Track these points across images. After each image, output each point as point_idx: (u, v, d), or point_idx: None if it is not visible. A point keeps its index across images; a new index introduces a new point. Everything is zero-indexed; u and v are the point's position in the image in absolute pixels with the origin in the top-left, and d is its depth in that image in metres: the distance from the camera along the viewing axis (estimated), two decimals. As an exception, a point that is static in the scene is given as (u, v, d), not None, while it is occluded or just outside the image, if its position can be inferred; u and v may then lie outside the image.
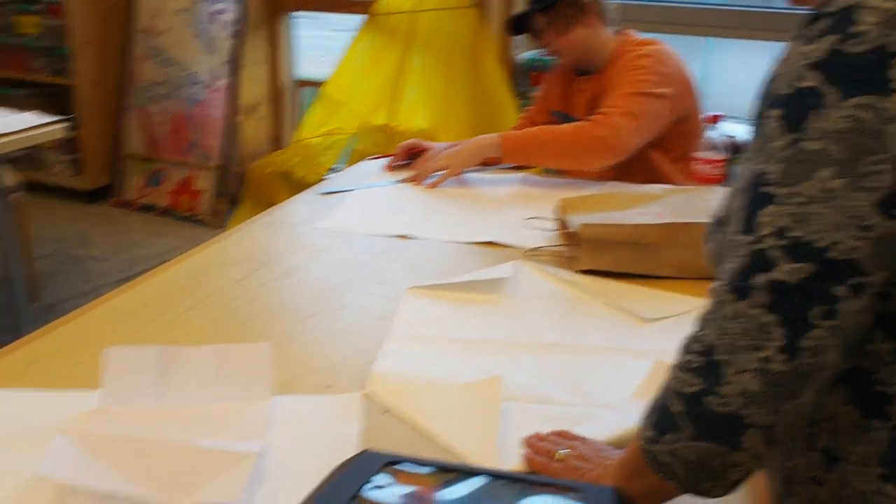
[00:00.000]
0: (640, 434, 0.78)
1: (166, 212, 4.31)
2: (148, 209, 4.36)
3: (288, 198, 2.00)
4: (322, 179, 2.18)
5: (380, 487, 0.75)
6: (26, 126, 2.74)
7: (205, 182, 4.26)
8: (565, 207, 1.55)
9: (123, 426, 0.96)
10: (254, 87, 4.38)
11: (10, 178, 2.93)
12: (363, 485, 0.75)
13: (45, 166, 4.57)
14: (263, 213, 1.88)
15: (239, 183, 4.19)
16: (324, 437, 1.00)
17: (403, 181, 2.00)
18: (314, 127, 4.00)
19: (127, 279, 1.46)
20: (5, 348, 1.23)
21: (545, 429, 0.98)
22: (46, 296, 3.32)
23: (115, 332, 1.27)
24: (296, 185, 3.60)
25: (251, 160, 4.21)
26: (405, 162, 2.11)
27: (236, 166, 4.24)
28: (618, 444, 0.94)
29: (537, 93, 2.33)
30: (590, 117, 1.93)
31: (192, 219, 4.23)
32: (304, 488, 0.77)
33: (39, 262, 3.39)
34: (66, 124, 2.84)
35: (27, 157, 4.38)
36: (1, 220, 3.01)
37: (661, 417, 0.75)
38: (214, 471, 0.89)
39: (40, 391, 1.09)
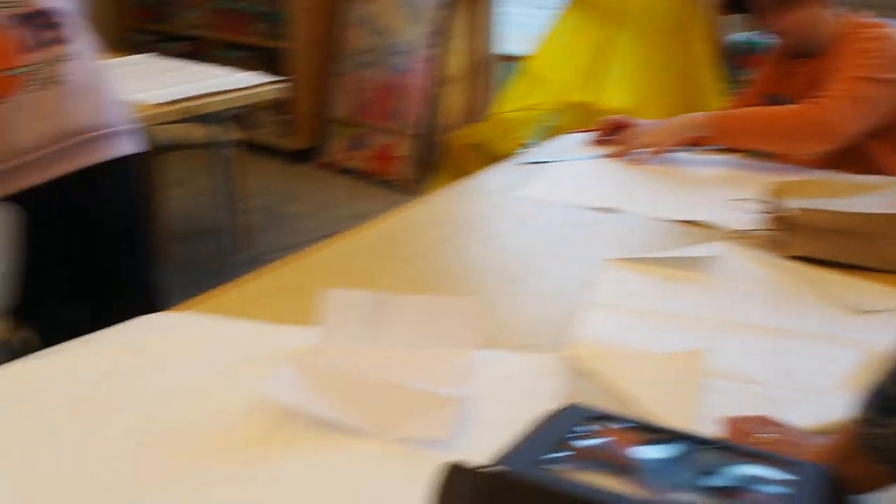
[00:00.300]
0: (856, 418, 0.76)
1: (366, 175, 4.48)
2: (349, 172, 4.55)
3: (481, 169, 2.03)
4: (517, 154, 2.20)
5: (583, 437, 0.76)
6: (248, 85, 2.92)
7: (404, 149, 4.39)
8: (779, 191, 1.51)
9: (339, 361, 1.02)
10: (455, 58, 4.46)
11: (228, 133, 3.13)
12: (567, 434, 0.77)
13: (258, 126, 4.85)
14: (465, 179, 1.93)
15: (437, 152, 4.30)
16: (522, 392, 1.04)
17: (607, 156, 2.00)
18: (513, 101, 4.04)
19: (326, 237, 1.54)
20: (226, 286, 1.33)
21: (745, 409, 0.97)
22: (252, 247, 3.53)
23: (322, 281, 1.34)
24: (490, 158, 3.65)
25: (449, 130, 4.30)
26: (609, 137, 2.11)
27: (435, 135, 4.35)
28: (822, 432, 0.92)
29: (752, 75, 2.26)
30: (809, 100, 1.85)
31: (389, 184, 4.37)
32: (501, 435, 0.80)
33: (248, 215, 3.61)
34: (283, 85, 3.01)
35: (242, 115, 4.67)
36: (217, 174, 3.23)
37: (883, 402, 0.73)
38: (422, 409, 0.94)
39: (260, 323, 1.18)
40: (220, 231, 3.38)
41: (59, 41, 1.69)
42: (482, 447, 0.91)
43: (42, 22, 1.68)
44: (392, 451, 0.91)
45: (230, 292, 1.32)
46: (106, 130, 1.74)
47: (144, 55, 3.32)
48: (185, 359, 1.09)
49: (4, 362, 1.67)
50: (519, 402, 1.00)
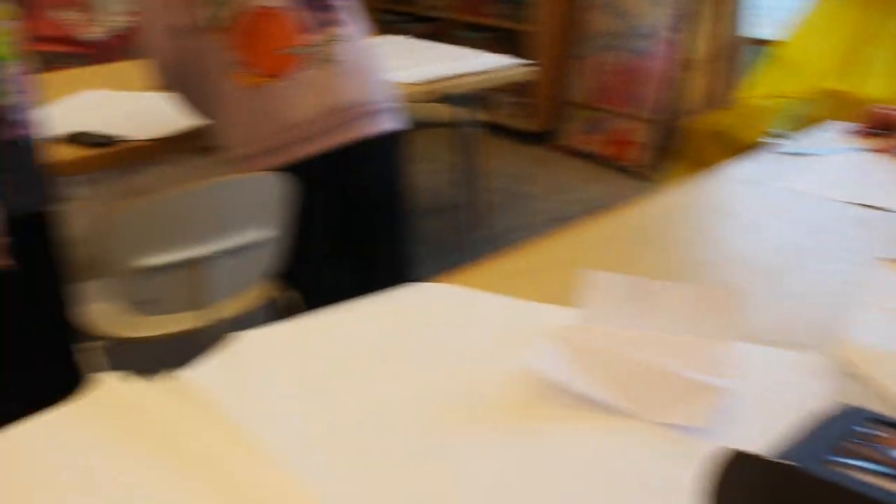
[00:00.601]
0: None
1: (602, 160, 4.46)
2: (585, 155, 4.54)
3: (722, 158, 1.97)
4: (764, 143, 2.11)
5: (865, 439, 0.74)
6: (496, 67, 2.98)
7: (641, 135, 4.33)
8: None
9: (601, 342, 1.04)
10: (698, 42, 4.33)
11: (472, 114, 3.21)
12: (848, 435, 0.75)
13: (497, 106, 4.94)
14: (712, 167, 1.88)
15: (675, 138, 4.20)
16: (786, 388, 1.01)
17: (875, 150, 1.89)
18: (760, 88, 3.89)
19: (560, 219, 1.55)
20: (480, 262, 1.37)
21: None
22: (489, 225, 3.62)
23: (574, 264, 1.36)
24: (731, 146, 3.53)
25: (690, 116, 4.20)
26: (877, 130, 1.99)
27: (675, 121, 4.26)
28: None
29: None
30: None
31: (625, 169, 4.33)
32: (765, 429, 0.79)
33: (486, 194, 3.70)
34: (531, 68, 3.04)
35: (484, 96, 4.77)
36: (458, 153, 3.33)
37: None
38: (683, 396, 0.94)
39: (518, 300, 1.22)
40: (458, 208, 3.48)
41: (334, 23, 1.81)
42: (745, 439, 0.90)
43: (320, 5, 1.80)
44: (653, 434, 0.92)
45: (484, 268, 1.36)
46: (373, 107, 1.84)
47: (393, 36, 3.46)
48: (448, 328, 1.15)
49: (270, 320, 1.82)
50: (782, 399, 0.98)
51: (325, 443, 0.92)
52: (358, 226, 1.91)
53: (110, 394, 0.99)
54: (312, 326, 1.16)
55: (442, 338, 1.12)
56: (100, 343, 1.87)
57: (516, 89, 4.68)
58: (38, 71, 1.71)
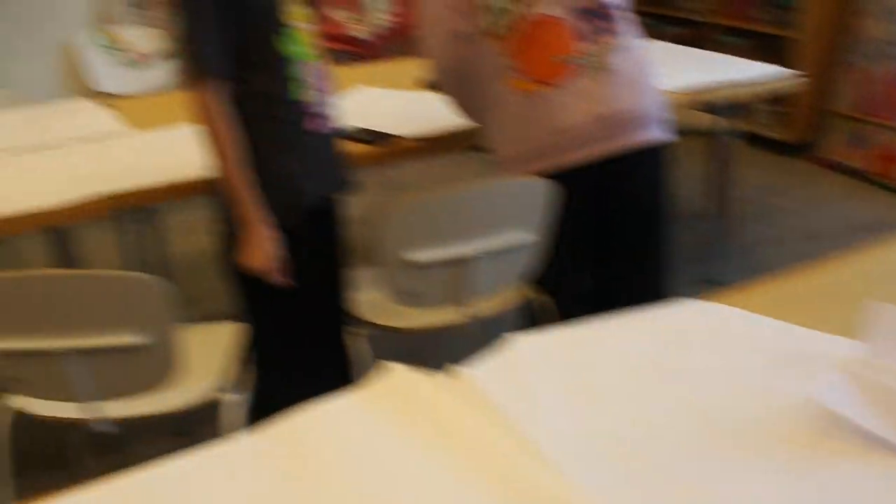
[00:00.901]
0: None
1: (864, 176, 4.19)
2: (845, 170, 4.28)
3: None
4: None
5: None
6: (760, 77, 2.87)
7: (915, 151, 4.03)
8: None
9: (890, 380, 0.99)
10: None
11: (729, 123, 3.12)
12: None
13: (752, 114, 4.75)
14: None
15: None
16: None
17: None
18: None
19: (813, 236, 1.47)
20: (754, 282, 1.35)
21: None
22: (739, 237, 3.50)
23: (857, 292, 1.30)
24: None
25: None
26: None
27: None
28: None
29: None
30: None
31: (892, 188, 4.04)
32: None
33: (738, 205, 3.57)
34: (798, 80, 2.91)
35: (742, 105, 4.59)
36: (713, 161, 3.25)
37: None
38: None
39: (794, 326, 1.19)
40: (709, 218, 3.40)
41: (610, 32, 1.82)
42: None
43: (598, 13, 1.82)
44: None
45: (757, 290, 1.34)
46: (643, 116, 1.85)
47: (651, 40, 3.41)
48: (723, 349, 1.14)
49: (522, 323, 1.87)
50: None
51: (599, 452, 0.95)
52: (622, 234, 1.92)
53: (399, 384, 1.07)
54: (587, 336, 1.19)
55: (716, 358, 1.12)
56: (364, 330, 1.99)
57: (775, 97, 4.48)
58: (331, 68, 1.85)
